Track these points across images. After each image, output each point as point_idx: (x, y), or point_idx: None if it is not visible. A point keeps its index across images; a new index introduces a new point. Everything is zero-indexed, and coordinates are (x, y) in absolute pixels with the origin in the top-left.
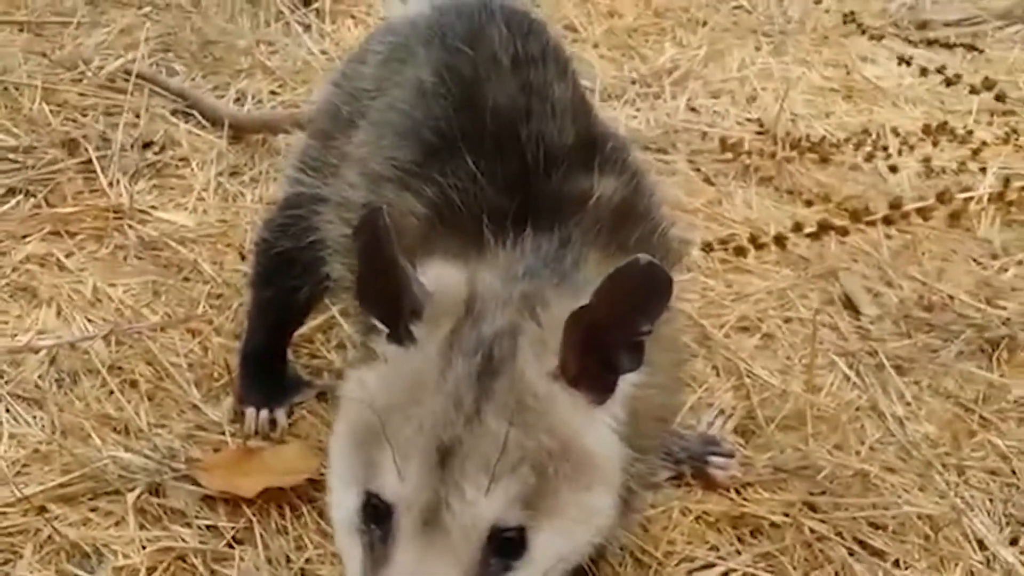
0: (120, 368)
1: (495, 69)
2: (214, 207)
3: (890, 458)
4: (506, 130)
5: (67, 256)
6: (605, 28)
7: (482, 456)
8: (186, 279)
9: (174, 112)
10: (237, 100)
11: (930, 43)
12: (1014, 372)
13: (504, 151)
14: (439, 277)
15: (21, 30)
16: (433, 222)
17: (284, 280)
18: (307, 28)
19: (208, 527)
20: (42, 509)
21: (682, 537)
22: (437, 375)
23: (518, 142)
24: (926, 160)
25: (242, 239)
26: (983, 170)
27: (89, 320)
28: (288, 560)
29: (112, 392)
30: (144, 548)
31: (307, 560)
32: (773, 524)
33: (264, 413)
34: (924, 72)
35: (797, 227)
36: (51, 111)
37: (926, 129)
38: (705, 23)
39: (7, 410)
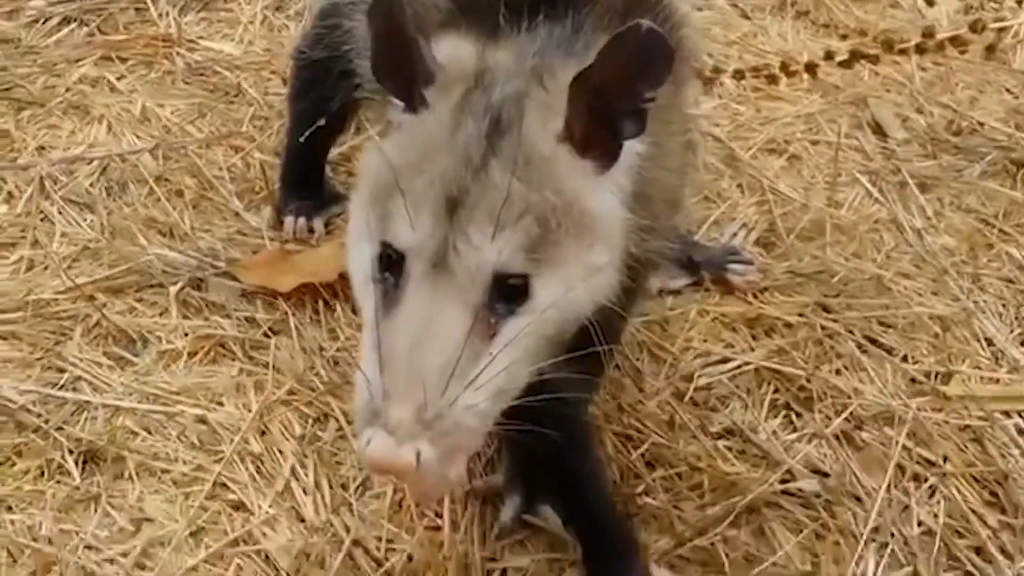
0: (167, 179)
1: None
2: (260, 37)
3: (905, 265)
4: None
5: (118, 79)
6: None
7: (488, 206)
8: (231, 101)
9: None
10: None
11: None
12: None
13: None
14: (452, 50)
15: None
16: (453, 12)
17: (319, 90)
18: None
19: (246, 319)
20: (91, 298)
21: (699, 335)
22: (448, 135)
23: None
24: None
25: (286, 67)
26: (1020, 2)
27: (138, 137)
28: (321, 349)
29: (159, 200)
30: (186, 335)
31: (339, 348)
32: (787, 324)
33: (302, 221)
34: None
35: (829, 55)
36: None
37: None
38: None
39: (60, 212)
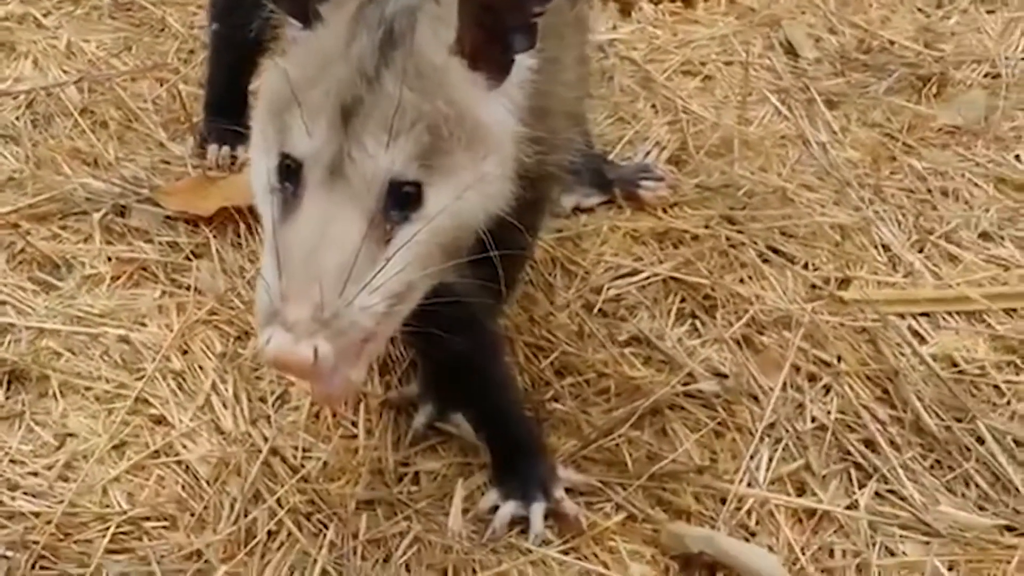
0: (92, 112)
1: None
2: None
3: (809, 178)
4: None
5: (44, 15)
6: None
7: (381, 115)
8: (156, 35)
9: None
10: None
11: None
12: (942, 104)
13: None
14: None
15: None
16: None
17: (235, 17)
18: None
19: (169, 243)
20: (15, 226)
21: (610, 250)
22: (343, 47)
23: None
24: None
25: None
26: None
27: (64, 71)
28: (242, 270)
29: (84, 131)
30: (109, 260)
31: (260, 270)
32: (694, 236)
33: (225, 149)
34: None
35: None
36: None
37: None
38: None
39: None
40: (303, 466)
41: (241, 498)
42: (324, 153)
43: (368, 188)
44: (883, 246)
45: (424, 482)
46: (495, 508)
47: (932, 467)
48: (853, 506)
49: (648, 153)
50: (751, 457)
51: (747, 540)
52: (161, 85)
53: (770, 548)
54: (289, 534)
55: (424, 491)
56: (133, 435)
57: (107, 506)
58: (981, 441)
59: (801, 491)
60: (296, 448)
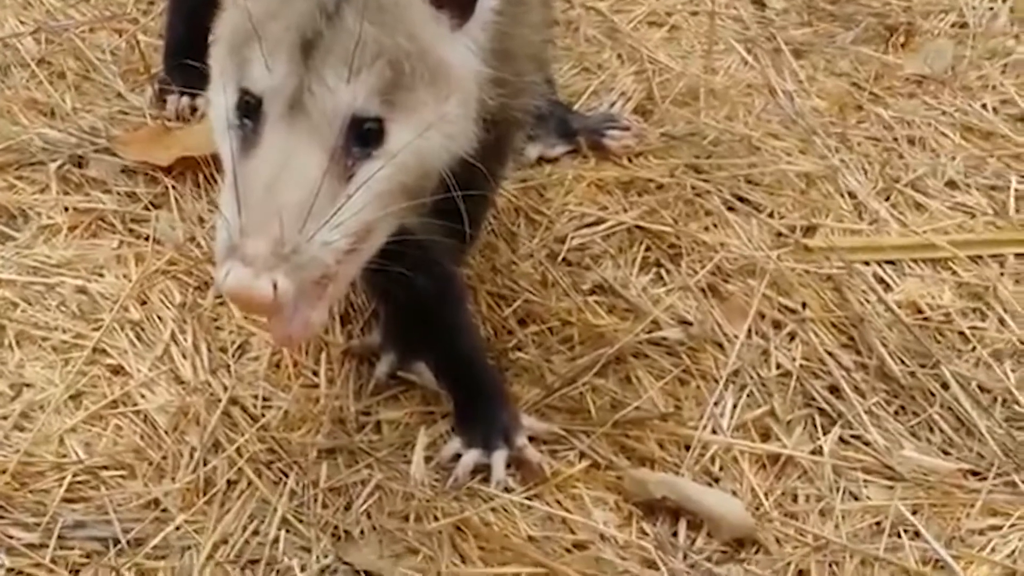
0: (49, 62)
1: None
2: None
3: (775, 127)
4: None
5: None
6: None
7: (342, 49)
8: None
9: None
10: None
11: None
12: (909, 54)
13: None
14: None
15: None
16: None
17: None
18: None
19: (127, 194)
20: None
21: (575, 199)
22: None
23: None
24: None
25: None
26: None
27: (21, 22)
28: (202, 220)
29: (41, 82)
30: (67, 211)
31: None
32: (659, 185)
33: (185, 99)
34: None
35: None
36: None
37: None
38: None
39: None
40: (263, 415)
41: (200, 447)
42: (284, 88)
43: (329, 123)
44: (849, 194)
45: (386, 431)
46: (457, 456)
47: (896, 413)
48: (817, 451)
49: (614, 103)
50: (715, 404)
51: (711, 486)
52: (119, 36)
53: (734, 493)
54: (249, 483)
55: (386, 440)
56: (91, 385)
57: (64, 456)
58: (945, 387)
59: (765, 437)
60: (256, 397)
